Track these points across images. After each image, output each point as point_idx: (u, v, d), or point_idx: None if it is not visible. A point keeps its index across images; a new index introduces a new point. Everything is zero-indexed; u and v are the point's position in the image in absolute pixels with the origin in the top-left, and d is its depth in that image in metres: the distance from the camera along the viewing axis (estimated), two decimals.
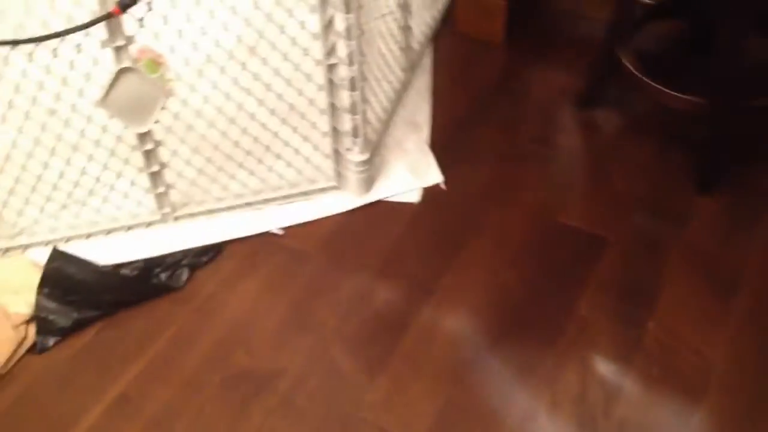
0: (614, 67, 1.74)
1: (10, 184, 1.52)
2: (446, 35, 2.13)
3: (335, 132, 1.61)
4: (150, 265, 1.55)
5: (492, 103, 1.92)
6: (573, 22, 2.14)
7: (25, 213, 1.57)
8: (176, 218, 1.64)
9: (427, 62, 2.03)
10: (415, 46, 1.99)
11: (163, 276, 1.54)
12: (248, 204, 1.66)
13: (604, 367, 1.37)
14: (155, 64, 1.78)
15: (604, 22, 1.79)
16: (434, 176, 1.73)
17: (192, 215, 1.64)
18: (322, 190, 1.69)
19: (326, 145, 1.64)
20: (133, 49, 1.39)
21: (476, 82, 1.99)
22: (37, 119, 1.45)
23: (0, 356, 1.40)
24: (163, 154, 1.55)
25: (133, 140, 1.51)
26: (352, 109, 1.56)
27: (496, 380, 1.36)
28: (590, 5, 2.10)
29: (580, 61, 1.98)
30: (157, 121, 1.49)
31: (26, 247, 1.58)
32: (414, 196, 1.70)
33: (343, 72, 1.50)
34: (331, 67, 1.50)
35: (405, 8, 1.85)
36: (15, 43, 1.32)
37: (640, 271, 1.53)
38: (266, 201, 1.67)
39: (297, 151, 1.66)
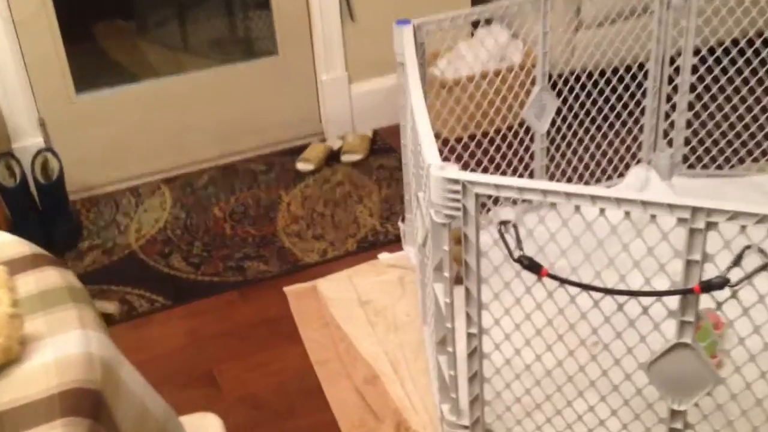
0: None
1: (530, 407, 1.54)
2: None
3: None
4: None
5: None
6: None
7: None
8: None
9: None
10: None
11: None
12: None
13: None
14: (707, 330, 1.67)
15: None
16: None
17: None
18: None
19: None
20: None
21: None
22: (583, 356, 1.45)
23: None
24: None
25: (664, 413, 1.41)
26: None
27: None
28: None
29: None
30: (696, 404, 1.37)
31: None
32: None
33: None
34: None
35: None
36: (590, 288, 1.34)
37: None
38: None
39: None
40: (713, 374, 1.34)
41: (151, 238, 2.44)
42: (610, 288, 1.32)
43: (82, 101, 2.60)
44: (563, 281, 1.34)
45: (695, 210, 1.23)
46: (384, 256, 2.26)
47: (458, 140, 2.28)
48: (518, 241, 1.36)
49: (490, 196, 1.36)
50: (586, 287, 1.34)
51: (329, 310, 2.07)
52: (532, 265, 1.35)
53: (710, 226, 1.23)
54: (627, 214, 1.27)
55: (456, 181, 1.36)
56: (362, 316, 2.04)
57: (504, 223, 1.37)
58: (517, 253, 1.35)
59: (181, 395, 1.89)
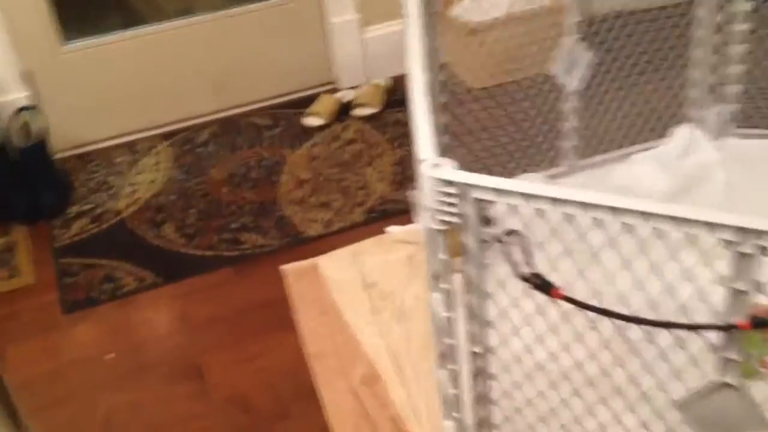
0: None
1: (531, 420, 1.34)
2: None
3: None
4: None
5: None
6: None
7: None
8: None
9: None
10: None
11: None
12: None
13: None
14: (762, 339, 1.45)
15: None
16: None
17: None
18: None
19: None
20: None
21: None
22: (605, 386, 1.24)
23: None
24: None
25: None
26: None
27: None
28: None
29: None
30: None
31: None
32: None
33: None
34: None
35: None
36: (612, 315, 1.12)
37: None
38: None
39: None
40: (761, 419, 1.12)
41: (144, 203, 2.26)
42: (637, 316, 1.10)
43: (70, 50, 2.38)
44: (580, 305, 1.12)
45: (742, 231, 0.99)
46: (393, 230, 2.05)
47: (476, 99, 2.03)
48: (527, 254, 1.13)
49: (492, 202, 1.13)
50: (609, 314, 1.12)
51: (330, 294, 1.88)
52: (544, 285, 1.13)
53: (763, 250, 0.99)
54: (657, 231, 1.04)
55: (452, 183, 1.13)
56: (366, 301, 1.85)
57: (509, 233, 1.14)
58: (525, 270, 1.13)
59: (165, 390, 1.74)
